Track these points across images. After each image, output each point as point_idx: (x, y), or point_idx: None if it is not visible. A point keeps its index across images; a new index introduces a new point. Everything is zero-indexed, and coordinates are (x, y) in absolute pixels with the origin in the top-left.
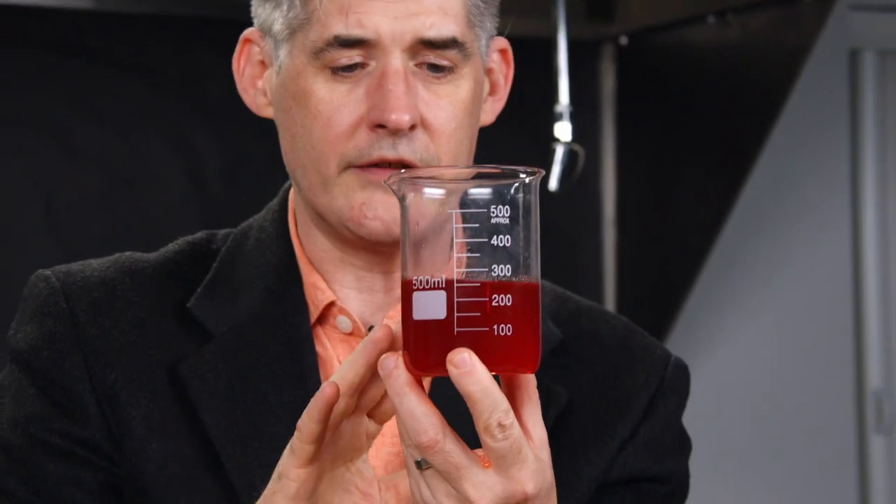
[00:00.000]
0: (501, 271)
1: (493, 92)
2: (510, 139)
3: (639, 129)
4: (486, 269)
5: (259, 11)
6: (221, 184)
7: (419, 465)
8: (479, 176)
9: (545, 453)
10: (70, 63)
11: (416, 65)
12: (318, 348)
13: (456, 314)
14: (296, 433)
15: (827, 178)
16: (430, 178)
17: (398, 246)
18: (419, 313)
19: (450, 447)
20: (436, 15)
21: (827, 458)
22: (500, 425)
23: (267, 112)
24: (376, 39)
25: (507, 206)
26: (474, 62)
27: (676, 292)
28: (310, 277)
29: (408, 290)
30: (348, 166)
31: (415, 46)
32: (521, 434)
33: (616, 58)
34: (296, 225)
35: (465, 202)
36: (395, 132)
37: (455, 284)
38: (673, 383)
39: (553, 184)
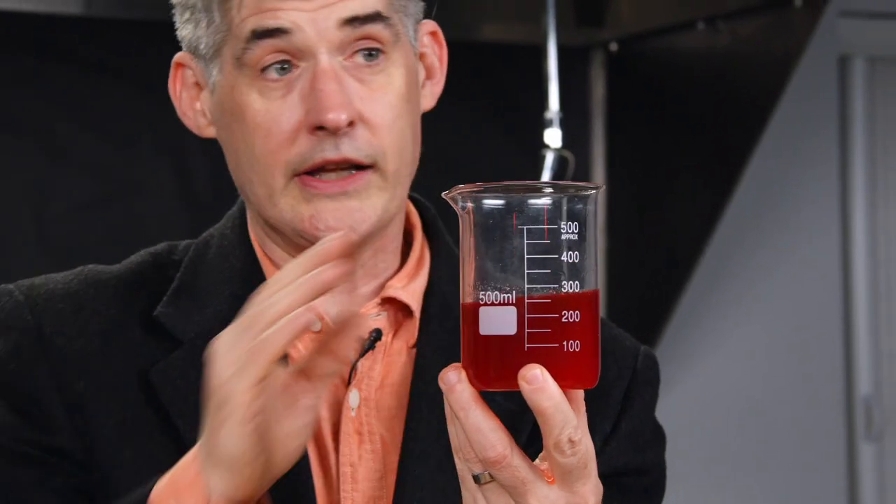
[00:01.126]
0: (571, 287)
1: (429, 76)
2: (500, 145)
3: (629, 136)
4: (557, 285)
5: (184, 34)
6: (211, 192)
7: (477, 479)
8: (542, 190)
9: (595, 466)
10: (59, 69)
11: (346, 59)
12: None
13: (527, 330)
14: (252, 355)
15: (816, 185)
16: (494, 192)
17: (355, 248)
18: (486, 328)
19: (517, 462)
20: (355, 0)
21: (816, 465)
22: (571, 441)
23: (209, 132)
24: (296, 31)
25: (575, 222)
26: (403, 47)
27: (666, 299)
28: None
29: (473, 305)
30: (293, 175)
31: (341, 35)
32: (588, 449)
33: (606, 64)
34: (254, 232)
35: (533, 217)
36: (335, 132)
37: (526, 300)
38: (645, 374)
39: None
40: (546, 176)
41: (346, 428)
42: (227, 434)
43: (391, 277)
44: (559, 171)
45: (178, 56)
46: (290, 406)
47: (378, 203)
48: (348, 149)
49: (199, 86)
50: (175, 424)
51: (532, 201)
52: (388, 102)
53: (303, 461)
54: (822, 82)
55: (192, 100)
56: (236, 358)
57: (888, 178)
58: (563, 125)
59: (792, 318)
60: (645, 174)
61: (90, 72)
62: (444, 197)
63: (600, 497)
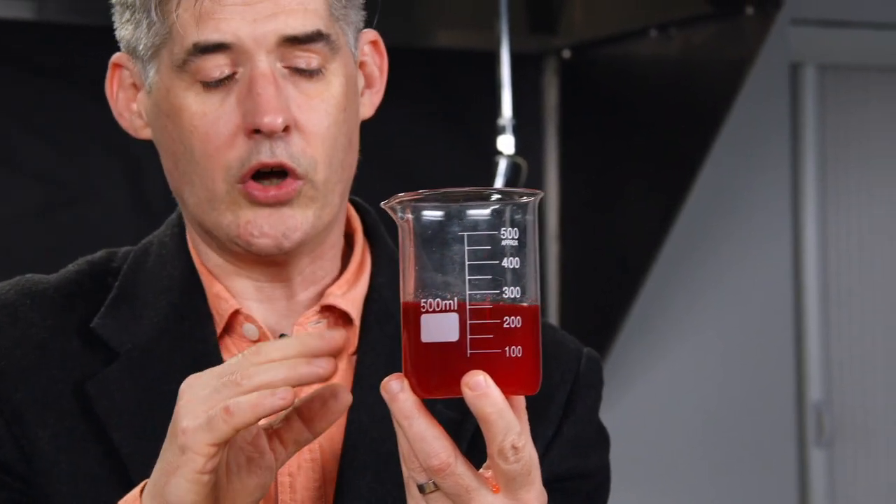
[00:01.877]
0: (512, 293)
1: (369, 84)
2: (453, 152)
3: (582, 142)
4: (498, 291)
5: (122, 34)
6: (162, 198)
7: (422, 488)
8: (482, 197)
9: (539, 473)
10: (9, 74)
11: (285, 66)
12: (227, 359)
13: (469, 336)
14: (224, 413)
15: (768, 192)
16: (433, 200)
17: (292, 257)
18: (428, 335)
19: (461, 470)
20: (296, 12)
21: (768, 471)
22: (514, 447)
23: (145, 134)
24: (237, 43)
25: (515, 228)
26: (343, 57)
27: (619, 305)
28: (212, 288)
29: (414, 312)
30: (235, 181)
31: (280, 47)
32: (531, 456)
33: (559, 71)
34: (191, 239)
35: (474, 224)
36: (271, 135)
37: (468, 306)
38: (588, 377)
39: None
40: (499, 182)
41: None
42: (178, 482)
43: (331, 284)
44: (512, 178)
45: (115, 56)
46: (252, 462)
47: (309, 213)
48: (283, 153)
49: (136, 87)
50: (111, 437)
51: (472, 208)
52: (324, 111)
53: None
54: (773, 89)
55: (128, 101)
56: (207, 409)
57: (839, 184)
58: (517, 131)
59: (744, 325)
60: (598, 180)
61: (41, 77)
62: (383, 206)
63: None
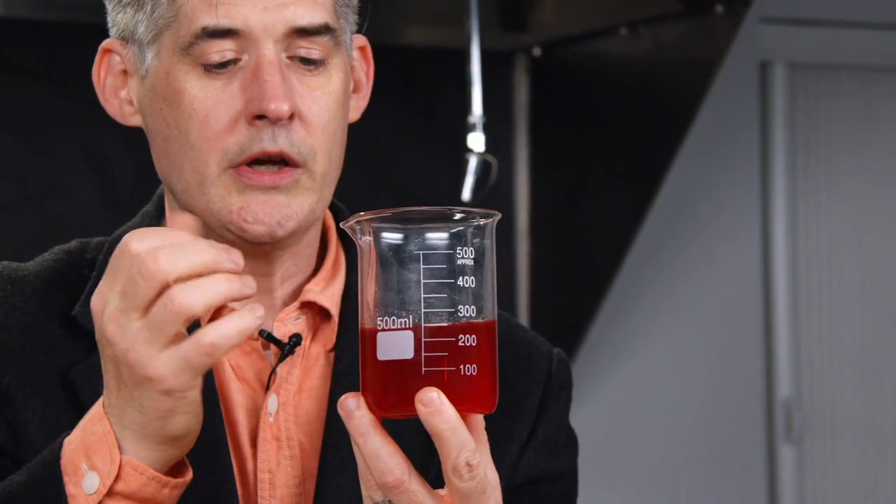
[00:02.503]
0: (467, 312)
1: (356, 90)
2: (423, 149)
3: (552, 140)
4: (453, 310)
5: (118, 18)
6: (133, 193)
7: None
8: (439, 218)
9: (499, 493)
10: None
11: (289, 57)
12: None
13: (423, 354)
14: (207, 351)
15: (737, 190)
16: (390, 221)
17: (279, 248)
18: (384, 353)
19: (415, 487)
20: (306, 4)
21: (737, 467)
22: (469, 465)
23: (133, 121)
24: (246, 30)
25: (471, 248)
26: (343, 54)
27: (589, 303)
28: None
29: (370, 330)
30: (228, 166)
31: (287, 37)
32: (487, 474)
33: (529, 68)
34: None
35: (429, 244)
36: (276, 122)
37: (423, 325)
38: (560, 379)
39: (466, 194)
40: (469, 180)
41: (265, 434)
42: (180, 419)
43: (307, 281)
44: (482, 175)
45: (106, 42)
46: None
47: (305, 203)
48: (284, 142)
49: (126, 73)
50: None
51: (429, 229)
52: (325, 103)
53: (225, 467)
54: (743, 88)
55: (116, 87)
56: (161, 346)
57: (808, 182)
58: (487, 129)
59: (713, 322)
60: (568, 178)
61: (10, 73)
62: (342, 227)
63: None
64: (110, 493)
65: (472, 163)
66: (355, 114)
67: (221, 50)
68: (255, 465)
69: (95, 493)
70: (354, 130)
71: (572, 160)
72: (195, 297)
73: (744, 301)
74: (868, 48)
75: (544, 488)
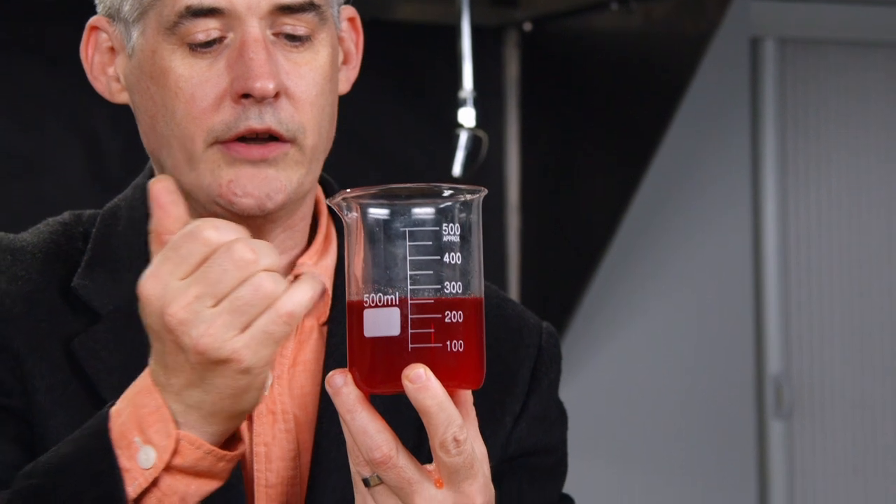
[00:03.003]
0: (453, 288)
1: (346, 61)
2: (414, 124)
3: (542, 115)
4: (439, 286)
5: None
6: (120, 167)
7: (367, 482)
8: (425, 194)
9: (487, 467)
10: None
11: (274, 34)
12: None
13: (410, 331)
14: (284, 319)
15: (728, 165)
16: (377, 197)
17: (270, 221)
18: (371, 330)
19: (402, 462)
20: None
21: (727, 442)
22: (456, 440)
23: (121, 98)
24: (230, 9)
25: (457, 224)
26: (329, 28)
27: (579, 277)
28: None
29: (357, 307)
30: (214, 142)
31: (272, 14)
32: (475, 449)
33: (520, 44)
34: None
35: (415, 221)
36: (261, 100)
37: (409, 301)
38: (550, 352)
39: (456, 169)
40: (460, 155)
41: (260, 407)
42: (252, 395)
43: (300, 255)
44: (473, 151)
45: (93, 19)
46: None
47: (294, 176)
48: (272, 119)
49: (113, 50)
50: (103, 397)
51: (415, 205)
52: (312, 79)
53: None
54: (733, 63)
55: (104, 65)
56: (239, 326)
57: (798, 157)
58: (477, 104)
59: (703, 297)
60: (558, 153)
61: None
62: (328, 203)
63: (490, 497)
64: (167, 467)
65: (463, 138)
66: (345, 85)
67: (206, 29)
68: (251, 439)
69: (152, 467)
70: (344, 106)
71: (563, 135)
72: (300, 296)
73: (734, 277)
74: (858, 23)
75: (535, 461)
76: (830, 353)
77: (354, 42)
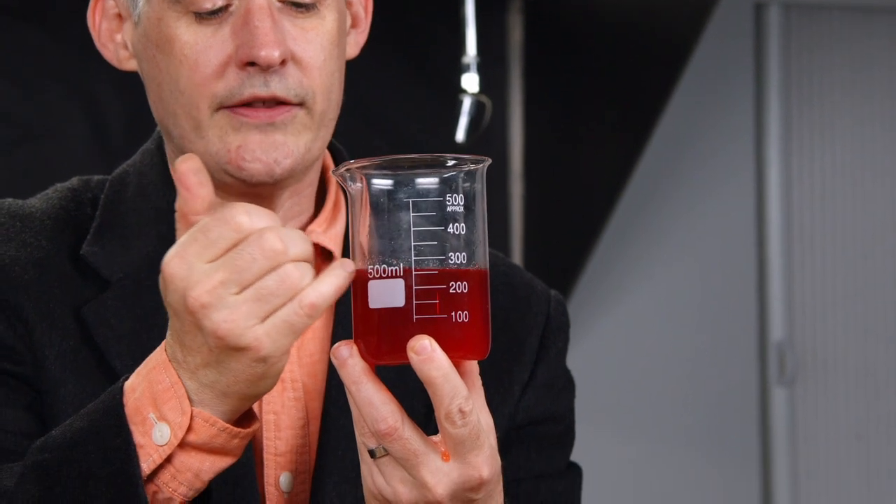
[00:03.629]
0: (458, 259)
1: (354, 24)
2: (417, 90)
3: (546, 81)
4: (444, 257)
5: None
6: (123, 135)
7: (372, 453)
8: (428, 164)
9: (493, 438)
10: None
11: (280, 1)
12: None
13: (415, 302)
14: (307, 311)
15: (731, 132)
16: (381, 168)
17: (279, 188)
18: (375, 302)
19: (408, 434)
20: None
21: (730, 409)
22: (461, 411)
23: (129, 65)
24: None
25: (461, 195)
26: None
27: (583, 244)
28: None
29: (361, 279)
30: (220, 107)
31: None
32: (481, 420)
33: (523, 10)
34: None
35: (419, 191)
36: (267, 69)
37: (413, 272)
38: (558, 320)
39: (460, 135)
40: (463, 121)
41: None
42: (267, 382)
43: (309, 222)
44: (476, 117)
45: None
46: None
47: (302, 141)
48: (277, 86)
49: (120, 17)
50: (112, 365)
51: (419, 175)
52: (319, 43)
53: None
54: (737, 29)
55: (111, 32)
56: (260, 315)
57: (802, 124)
58: (481, 70)
59: (707, 264)
60: (562, 119)
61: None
62: (332, 175)
63: (496, 468)
64: (181, 444)
65: (466, 104)
66: (354, 49)
67: None
68: (260, 407)
69: (167, 444)
70: (347, 72)
71: (566, 101)
72: (326, 288)
73: (737, 243)
74: None
75: (543, 430)
76: (833, 320)
77: (363, 5)
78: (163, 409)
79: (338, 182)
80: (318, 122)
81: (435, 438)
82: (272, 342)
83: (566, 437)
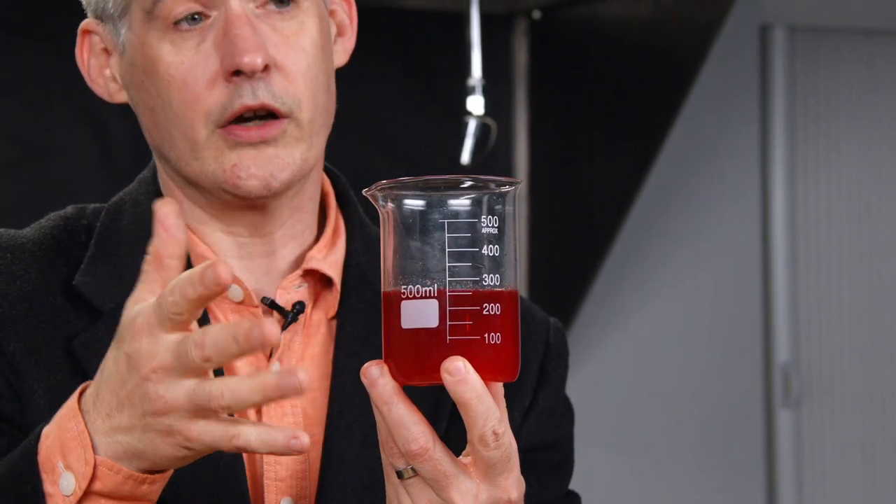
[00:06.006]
0: (491, 280)
1: (340, 33)
2: (422, 112)
3: (551, 103)
4: (478, 278)
5: None
6: (129, 155)
7: (400, 474)
8: (463, 185)
9: (518, 460)
10: None
11: (258, 7)
12: (211, 319)
13: (448, 322)
14: (232, 441)
15: (736, 154)
16: (414, 188)
17: (277, 203)
18: (408, 322)
19: (439, 455)
20: None
21: (735, 431)
22: (495, 433)
23: (120, 97)
24: None
25: (495, 216)
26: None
27: (587, 266)
28: (196, 248)
29: (394, 299)
30: (215, 127)
31: None
32: (511, 443)
33: (529, 31)
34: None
35: (454, 212)
36: (252, 75)
37: (448, 293)
38: (558, 348)
39: (465, 157)
40: (468, 143)
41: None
42: (167, 449)
43: (310, 247)
44: (482, 139)
45: (84, 23)
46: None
47: (296, 152)
48: (265, 94)
49: (107, 52)
50: None
51: (453, 197)
52: (301, 49)
53: None
54: (743, 51)
55: (100, 67)
56: (192, 409)
57: (808, 146)
58: (486, 92)
59: (712, 286)
60: (567, 142)
61: (5, 33)
62: (364, 194)
63: (522, 491)
64: (87, 493)
65: (472, 126)
66: (343, 57)
67: (186, 2)
68: None
69: (72, 494)
70: (353, 93)
71: (572, 123)
72: (256, 440)
73: (742, 264)
74: (869, 11)
75: (542, 457)
76: (839, 342)
77: (348, 13)
78: (69, 458)
79: (340, 206)
80: (309, 132)
81: (464, 460)
82: (198, 437)
83: (565, 464)
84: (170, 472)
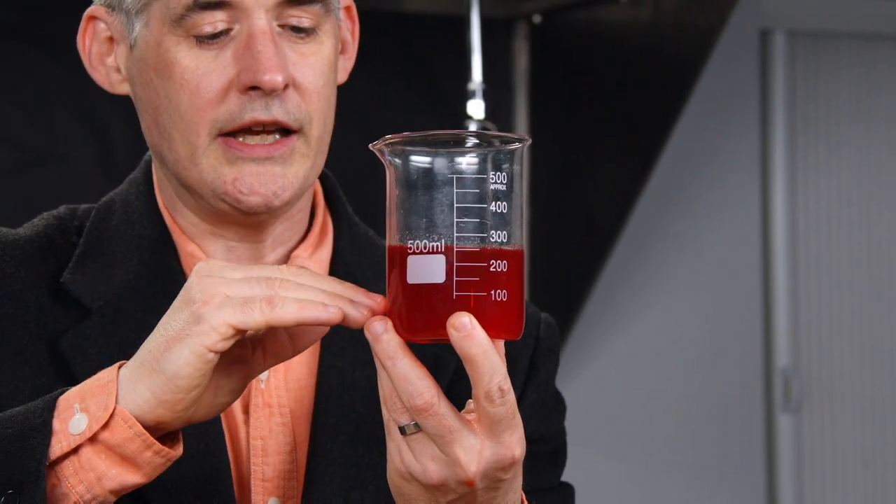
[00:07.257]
0: (499, 237)
1: (343, 50)
2: (423, 117)
3: (552, 108)
4: (485, 235)
5: None
6: (130, 160)
7: (403, 430)
8: (473, 141)
9: (521, 419)
10: None
11: (280, 26)
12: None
13: (455, 278)
14: (265, 303)
15: (737, 158)
16: (423, 143)
17: (272, 216)
18: (414, 277)
19: (444, 409)
20: None
21: (735, 436)
22: (500, 389)
23: (122, 89)
24: (237, 1)
25: (503, 173)
26: (332, 19)
27: (587, 270)
28: (187, 247)
29: (400, 254)
30: (219, 134)
31: (279, 6)
32: (515, 399)
33: (529, 36)
34: (163, 198)
35: (463, 168)
36: (270, 93)
37: (455, 248)
38: (548, 342)
39: None
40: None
41: (257, 401)
42: (181, 351)
43: (296, 246)
44: None
45: (90, 9)
46: (235, 364)
47: (300, 170)
48: (279, 111)
49: (112, 40)
50: None
51: (461, 153)
52: (318, 69)
53: (217, 435)
54: (743, 55)
55: (102, 55)
56: (241, 288)
57: (807, 150)
58: (486, 96)
59: (712, 290)
60: (567, 146)
61: (5, 37)
62: (371, 148)
63: (524, 450)
64: (94, 438)
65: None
66: (343, 75)
67: (213, 21)
68: (247, 433)
69: (79, 434)
70: (353, 98)
71: (572, 128)
72: (289, 312)
73: (743, 269)
74: (869, 16)
75: (533, 449)
76: (839, 346)
77: (351, 31)
78: (88, 401)
79: (328, 204)
80: (315, 149)
81: (468, 416)
82: (217, 308)
83: (557, 456)
84: (175, 453)
